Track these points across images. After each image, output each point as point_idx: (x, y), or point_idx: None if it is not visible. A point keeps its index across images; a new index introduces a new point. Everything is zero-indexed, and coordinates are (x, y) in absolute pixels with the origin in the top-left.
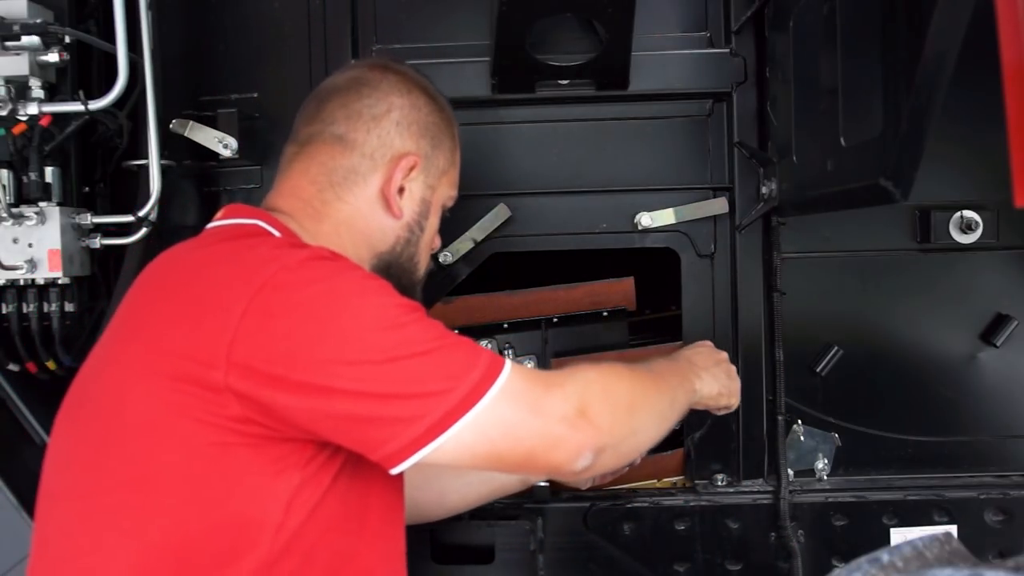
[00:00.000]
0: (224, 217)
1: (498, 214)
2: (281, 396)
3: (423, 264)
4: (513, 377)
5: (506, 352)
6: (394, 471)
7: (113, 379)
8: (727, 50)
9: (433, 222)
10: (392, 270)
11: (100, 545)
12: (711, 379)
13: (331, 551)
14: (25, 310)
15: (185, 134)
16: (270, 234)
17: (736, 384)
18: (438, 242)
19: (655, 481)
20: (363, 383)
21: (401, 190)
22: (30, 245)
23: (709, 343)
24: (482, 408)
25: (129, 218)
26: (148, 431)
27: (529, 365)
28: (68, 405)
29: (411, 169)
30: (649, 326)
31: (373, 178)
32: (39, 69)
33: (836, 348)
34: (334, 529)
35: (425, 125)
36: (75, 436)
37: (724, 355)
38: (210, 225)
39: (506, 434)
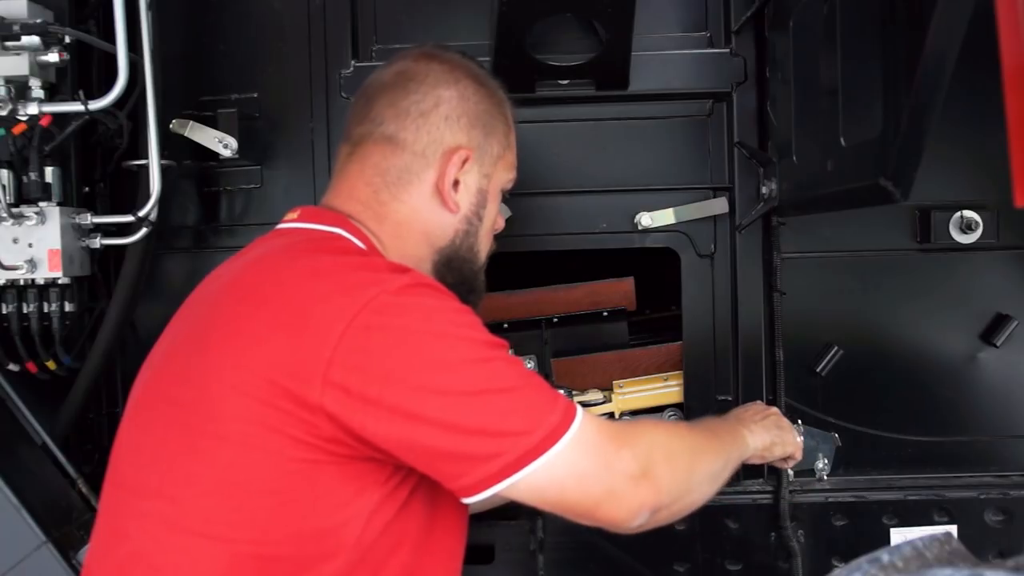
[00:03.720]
0: (301, 220)
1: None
2: (371, 420)
3: (484, 251)
4: (586, 426)
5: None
6: (465, 501)
7: (203, 384)
8: (727, 50)
9: (491, 209)
10: (453, 263)
11: (189, 550)
12: (762, 431)
13: (401, 564)
14: (25, 310)
15: (185, 134)
16: (354, 246)
17: (790, 435)
18: (501, 223)
19: None
20: (450, 414)
21: (456, 184)
22: (30, 245)
23: (759, 402)
24: (556, 453)
25: (129, 218)
26: (240, 442)
27: (529, 365)
28: (145, 398)
29: (464, 162)
30: (649, 326)
31: (427, 175)
32: (39, 69)
33: (836, 348)
34: (406, 543)
35: (475, 114)
36: (158, 435)
37: (774, 410)
38: (285, 225)
39: (577, 483)
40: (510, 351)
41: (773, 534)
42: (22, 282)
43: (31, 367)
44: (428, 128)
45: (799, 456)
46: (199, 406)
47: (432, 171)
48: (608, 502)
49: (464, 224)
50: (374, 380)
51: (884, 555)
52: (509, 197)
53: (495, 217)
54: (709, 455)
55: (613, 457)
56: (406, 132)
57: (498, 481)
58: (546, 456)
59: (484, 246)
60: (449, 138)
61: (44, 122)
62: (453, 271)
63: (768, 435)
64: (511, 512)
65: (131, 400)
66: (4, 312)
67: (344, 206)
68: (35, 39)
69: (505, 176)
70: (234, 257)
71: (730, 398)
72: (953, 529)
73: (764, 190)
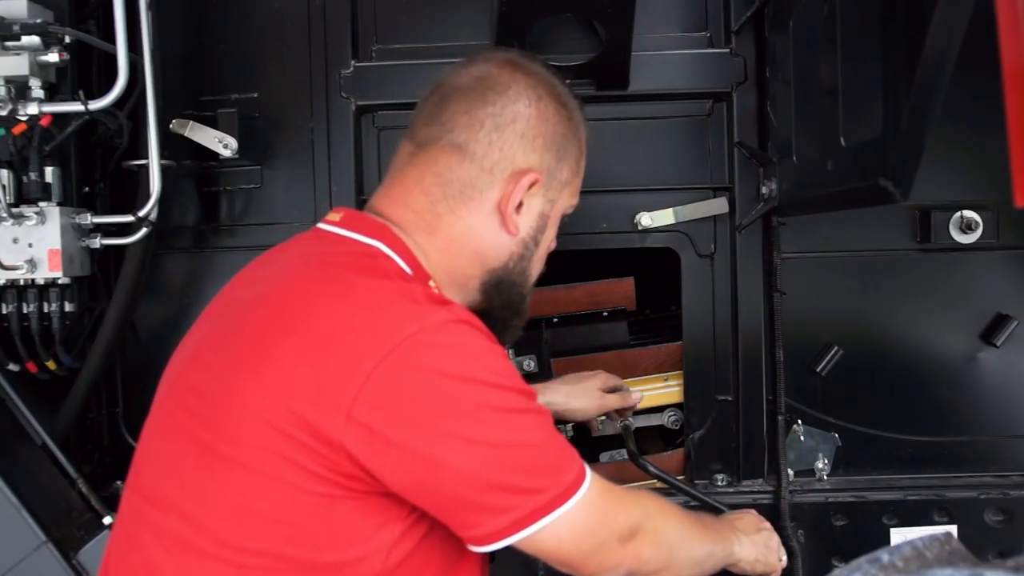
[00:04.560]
0: (341, 225)
1: None
2: (392, 461)
3: (535, 275)
4: (593, 486)
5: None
6: (471, 548)
7: (224, 404)
8: (727, 50)
9: (550, 234)
10: (503, 286)
11: (200, 569)
12: (750, 545)
13: None
14: (25, 310)
15: (185, 134)
16: (393, 264)
17: (775, 556)
18: (554, 244)
19: (655, 481)
20: (475, 464)
21: (519, 205)
22: (30, 245)
23: (754, 512)
24: (563, 512)
25: (129, 218)
26: (257, 470)
27: (529, 365)
28: (168, 402)
29: (532, 185)
30: (649, 326)
31: (490, 193)
32: (39, 69)
33: (836, 348)
34: (426, 569)
35: (552, 137)
36: (177, 447)
37: (767, 525)
38: (326, 227)
39: (573, 539)
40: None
41: None
42: (22, 282)
43: (31, 367)
44: (501, 144)
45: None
46: (219, 425)
47: (497, 190)
48: (594, 556)
49: (521, 248)
50: (400, 422)
51: (884, 555)
52: (567, 220)
53: (551, 241)
54: (696, 541)
55: (609, 517)
56: (477, 144)
57: (507, 535)
58: (555, 514)
59: (536, 270)
60: (521, 158)
61: (44, 122)
62: (502, 293)
63: (755, 550)
64: None
65: (156, 399)
66: (4, 312)
67: (393, 212)
68: (35, 39)
69: (569, 202)
70: (271, 254)
71: (730, 398)
72: (953, 529)
73: (764, 190)
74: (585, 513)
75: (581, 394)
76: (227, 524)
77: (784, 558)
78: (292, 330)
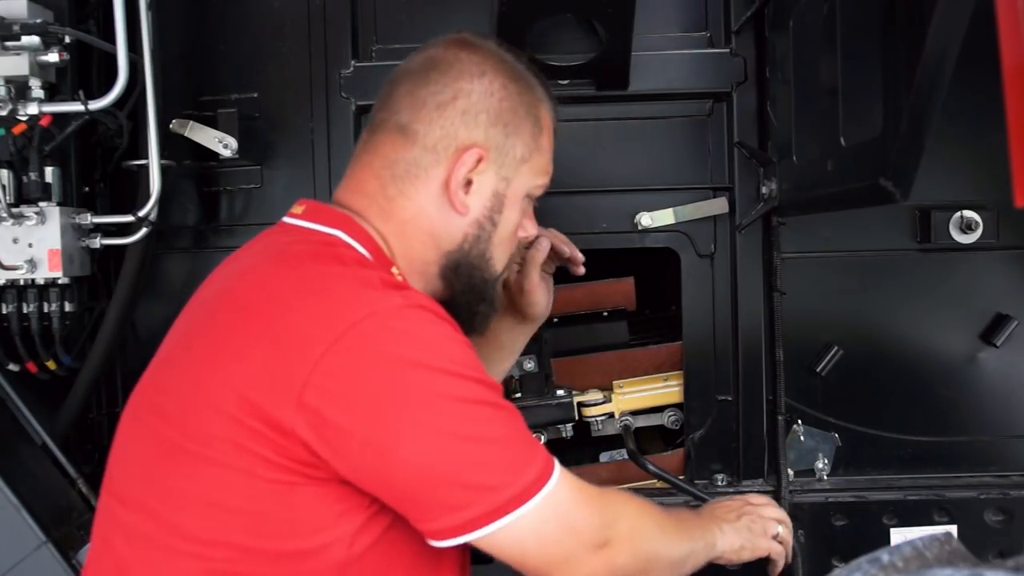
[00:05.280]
0: (303, 217)
1: None
2: (343, 448)
3: (499, 260)
4: (560, 486)
5: None
6: (431, 543)
7: (185, 398)
8: (727, 50)
9: (509, 216)
10: (462, 269)
11: (168, 567)
12: (733, 533)
13: None
14: (25, 310)
15: (185, 134)
16: (353, 251)
17: (763, 540)
18: (531, 230)
19: (655, 481)
20: (426, 455)
21: (469, 184)
22: (30, 245)
23: (739, 498)
24: (523, 514)
25: (129, 218)
26: (216, 461)
27: (529, 365)
28: (138, 405)
29: (478, 162)
30: (649, 326)
31: (435, 172)
32: (39, 69)
33: (836, 348)
34: (398, 567)
35: (497, 112)
36: (143, 447)
37: (754, 503)
38: (288, 220)
39: (538, 545)
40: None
41: None
42: (22, 282)
43: (31, 367)
44: (442, 122)
45: (779, 559)
46: (180, 420)
47: (442, 168)
48: (563, 566)
49: (475, 228)
50: (349, 408)
51: (884, 555)
52: (538, 205)
53: (515, 224)
54: (675, 544)
55: (580, 522)
56: (419, 123)
57: (461, 534)
58: (513, 516)
59: (500, 254)
60: (464, 134)
61: (44, 122)
62: (461, 277)
63: (738, 537)
64: None
65: (127, 404)
66: (4, 312)
67: (352, 201)
68: (35, 39)
69: (531, 181)
70: (236, 254)
71: (730, 398)
72: (953, 529)
73: (764, 190)
74: (551, 518)
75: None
76: (191, 518)
77: (780, 531)
78: (248, 320)
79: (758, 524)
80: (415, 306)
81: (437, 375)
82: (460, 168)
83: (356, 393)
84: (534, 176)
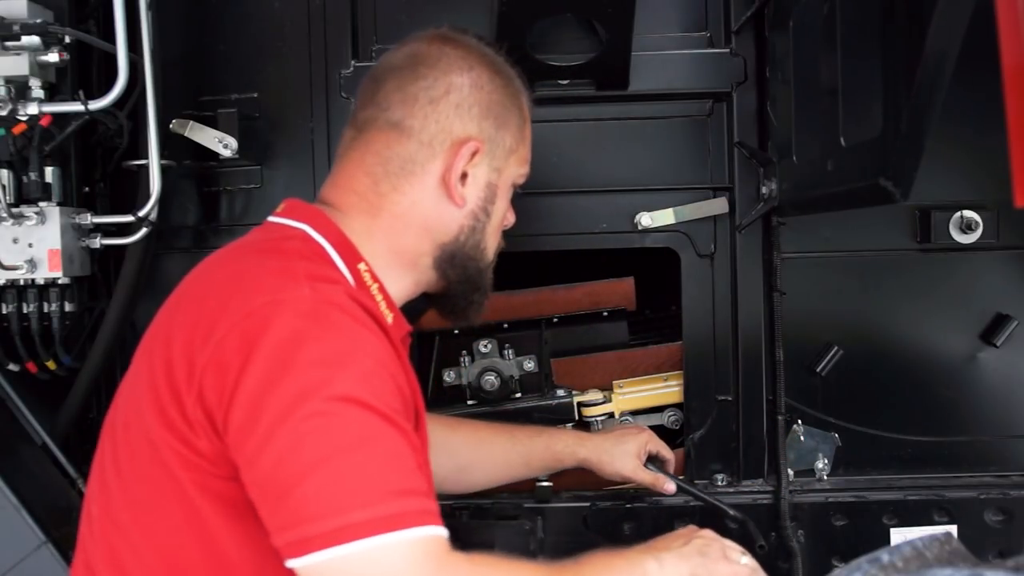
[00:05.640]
0: (281, 214)
1: None
2: (229, 438)
3: (491, 249)
4: (412, 545)
5: (506, 351)
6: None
7: (135, 391)
8: (727, 50)
9: (500, 205)
10: (457, 260)
11: (114, 562)
12: (676, 559)
13: None
14: (25, 310)
15: (185, 134)
16: (309, 245)
17: (720, 565)
18: (511, 218)
19: None
20: (280, 455)
21: (464, 176)
22: (30, 245)
23: (693, 527)
24: (341, 556)
25: (129, 218)
26: (144, 456)
27: (529, 365)
28: (110, 410)
29: (474, 155)
30: (649, 326)
31: (432, 166)
32: (39, 69)
33: (836, 348)
34: None
35: (488, 105)
36: (108, 444)
37: (705, 533)
38: (270, 218)
39: None
40: (393, 425)
41: (773, 534)
42: (22, 282)
43: (31, 367)
44: (437, 116)
45: None
46: (130, 413)
47: (438, 162)
48: None
49: (470, 219)
50: (233, 394)
51: (884, 555)
52: (520, 192)
53: (504, 213)
54: None
55: None
56: (413, 119)
57: (287, 556)
58: (328, 553)
59: (492, 243)
60: (459, 128)
61: (44, 122)
62: (456, 268)
63: (686, 564)
64: (511, 512)
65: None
66: (4, 312)
67: (337, 197)
68: (35, 39)
69: (517, 171)
70: (215, 252)
71: (730, 398)
72: (953, 529)
73: (764, 190)
74: (388, 558)
75: (618, 458)
76: (129, 515)
77: (745, 560)
78: (186, 310)
79: (714, 546)
80: (324, 302)
81: (303, 378)
82: (459, 161)
83: (239, 380)
84: (520, 166)
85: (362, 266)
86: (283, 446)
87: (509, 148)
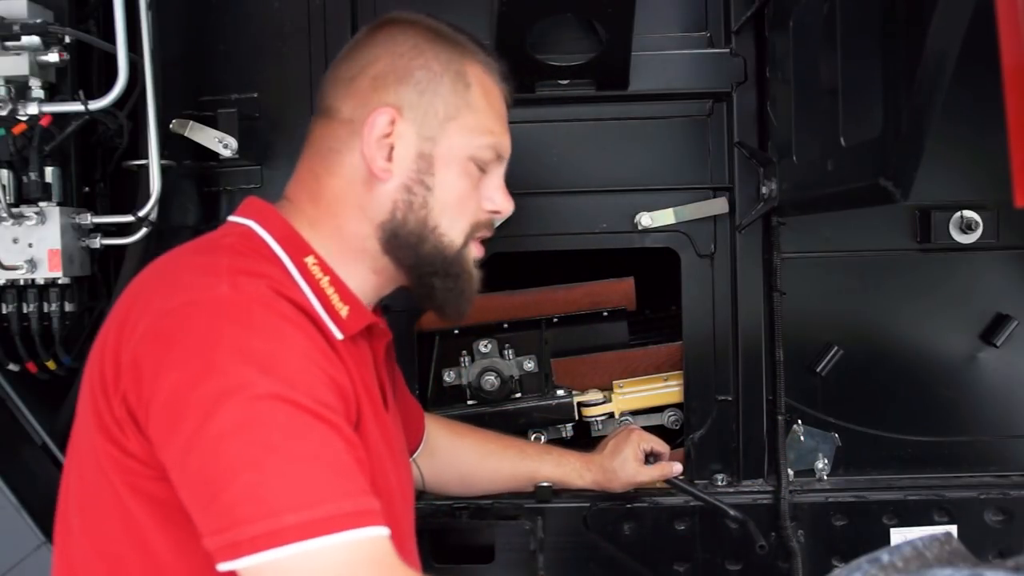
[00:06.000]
0: (237, 211)
1: None
2: (153, 438)
3: (450, 229)
4: (351, 550)
5: (506, 351)
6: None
7: (81, 394)
8: (727, 50)
9: (447, 179)
10: (401, 239)
11: (70, 569)
12: None
13: None
14: (25, 310)
15: (185, 134)
16: (249, 241)
17: None
18: (502, 203)
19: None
20: (187, 453)
21: (392, 149)
22: (30, 245)
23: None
24: (270, 560)
25: (129, 218)
26: (88, 462)
27: (529, 365)
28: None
29: (391, 123)
30: (649, 326)
31: (353, 143)
32: (39, 69)
33: (836, 348)
34: None
35: (406, 71)
36: (70, 447)
37: None
38: (229, 216)
39: None
40: (326, 424)
41: (773, 534)
42: (22, 282)
43: (31, 367)
44: (354, 92)
45: None
46: (80, 414)
47: (358, 138)
48: None
49: (404, 194)
50: (152, 395)
51: (884, 555)
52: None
53: (461, 190)
54: None
55: None
56: (336, 100)
57: (220, 559)
58: (256, 558)
59: (448, 222)
60: (374, 99)
61: (44, 122)
62: (405, 249)
63: None
64: (511, 512)
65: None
66: (4, 312)
67: (289, 191)
68: (35, 39)
69: (468, 141)
70: None
71: (730, 398)
72: (953, 529)
73: (764, 190)
74: (331, 561)
75: (620, 469)
76: (76, 520)
77: None
78: (117, 312)
79: None
80: (245, 298)
81: (222, 373)
82: (371, 131)
83: (156, 380)
84: (470, 135)
85: (310, 259)
86: (208, 448)
87: (444, 115)
